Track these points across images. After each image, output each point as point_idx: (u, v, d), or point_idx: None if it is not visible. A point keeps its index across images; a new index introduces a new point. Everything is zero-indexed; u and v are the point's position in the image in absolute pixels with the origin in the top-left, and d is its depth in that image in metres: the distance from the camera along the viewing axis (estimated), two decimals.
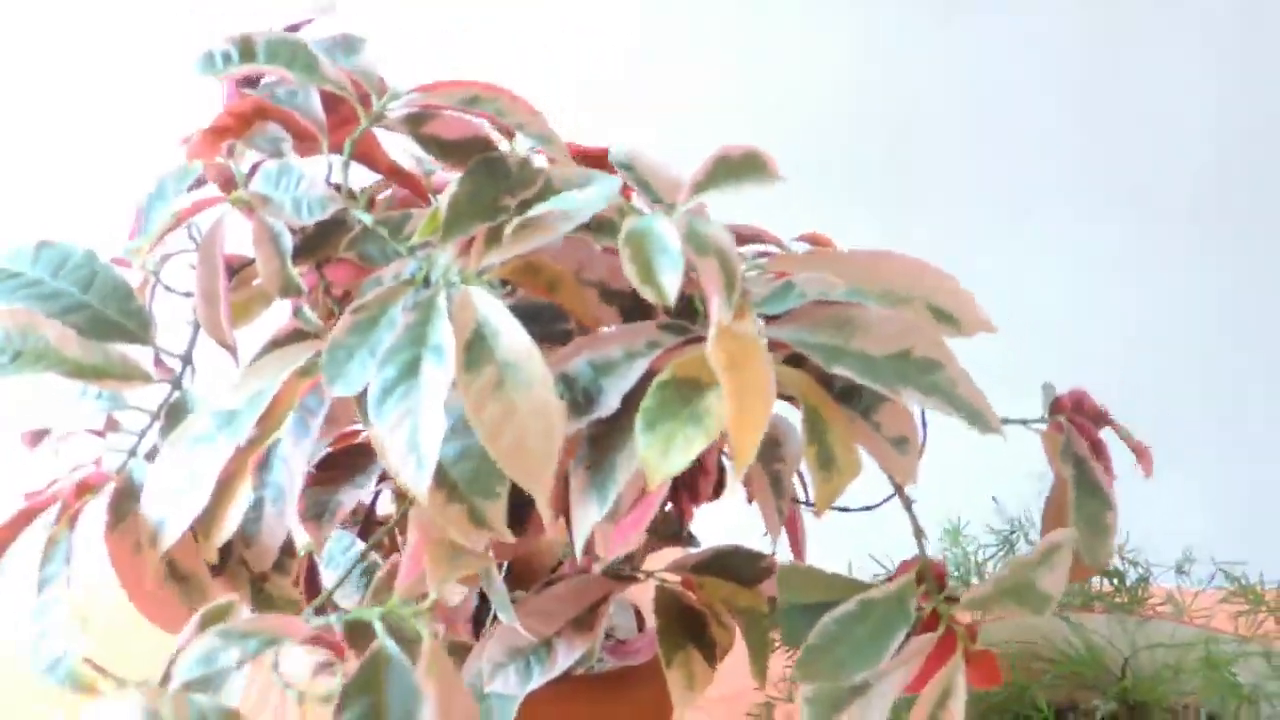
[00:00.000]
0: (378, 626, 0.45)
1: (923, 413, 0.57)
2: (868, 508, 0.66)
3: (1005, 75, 1.48)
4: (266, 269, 0.54)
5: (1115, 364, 1.43)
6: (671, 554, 0.71)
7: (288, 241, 0.54)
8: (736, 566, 0.68)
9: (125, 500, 0.53)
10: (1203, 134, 1.48)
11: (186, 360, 0.56)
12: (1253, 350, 1.52)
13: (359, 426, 0.65)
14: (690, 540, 0.72)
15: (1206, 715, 0.73)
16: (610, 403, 0.50)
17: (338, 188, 0.57)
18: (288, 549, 0.53)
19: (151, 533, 0.50)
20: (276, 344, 0.54)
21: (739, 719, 0.84)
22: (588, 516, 0.49)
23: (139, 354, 0.55)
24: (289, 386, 0.51)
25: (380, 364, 0.48)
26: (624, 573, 0.67)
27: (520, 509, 0.67)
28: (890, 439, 0.54)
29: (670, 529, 0.72)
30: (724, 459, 0.71)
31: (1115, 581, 0.82)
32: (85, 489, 0.52)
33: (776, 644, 0.73)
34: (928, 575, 0.55)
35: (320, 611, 0.50)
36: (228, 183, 0.55)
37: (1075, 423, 0.60)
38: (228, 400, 0.51)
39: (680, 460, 0.46)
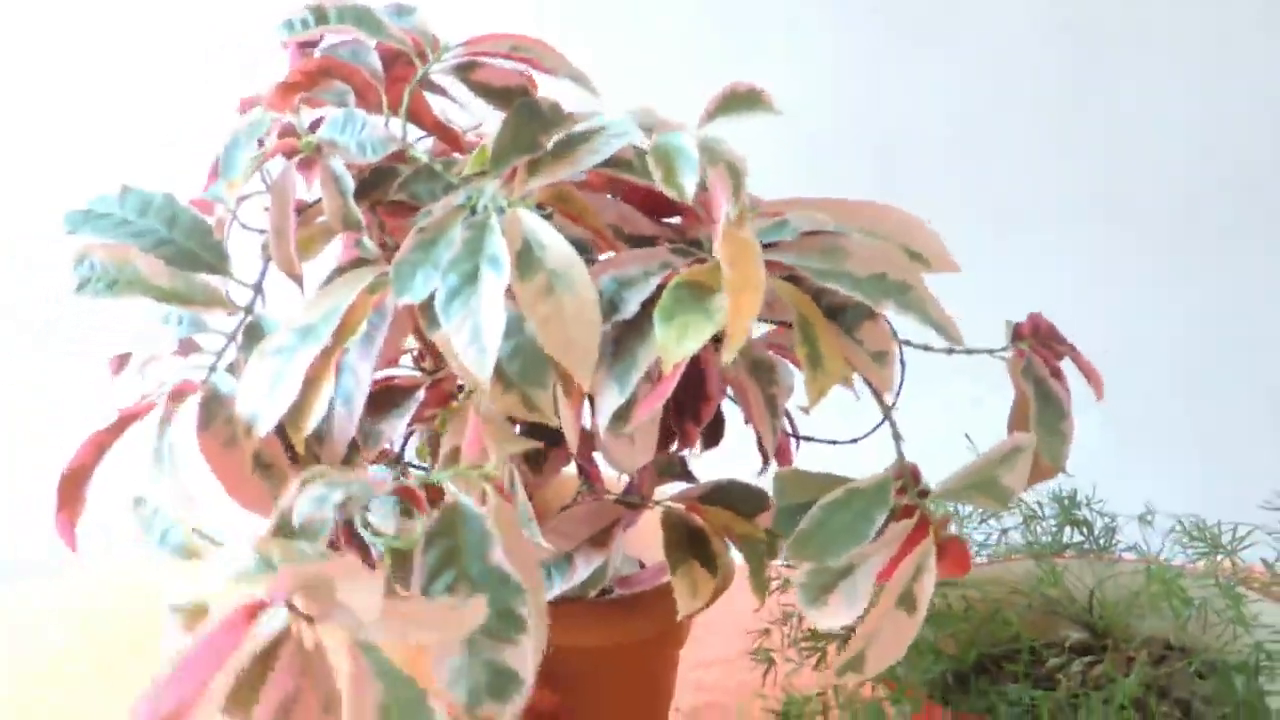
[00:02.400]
0: (449, 485, 0.59)
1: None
2: (853, 440, 0.80)
3: (986, 94, 1.63)
4: (331, 206, 0.68)
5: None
6: (676, 489, 0.85)
7: (349, 182, 0.68)
8: (735, 499, 0.81)
9: (212, 405, 0.66)
10: (1178, 150, 1.63)
11: (258, 289, 0.70)
12: (1233, 357, 1.66)
13: (393, 372, 0.79)
14: (690, 478, 0.85)
15: (1166, 644, 0.86)
16: (631, 308, 0.64)
17: None
18: (353, 446, 0.67)
19: (246, 426, 0.64)
20: (341, 271, 0.67)
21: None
22: (610, 401, 0.63)
23: (217, 284, 0.69)
24: (359, 302, 0.64)
25: (444, 274, 0.61)
26: (633, 500, 0.81)
27: (538, 452, 0.81)
28: (871, 353, 0.68)
29: (673, 468, 0.85)
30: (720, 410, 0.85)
31: (1084, 530, 0.95)
32: (179, 394, 0.66)
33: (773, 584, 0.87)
34: (905, 473, 0.69)
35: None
36: (289, 133, 0.69)
37: (1035, 348, 0.74)
38: (305, 316, 0.65)
39: (692, 345, 0.59)
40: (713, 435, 0.86)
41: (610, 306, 0.64)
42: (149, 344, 0.70)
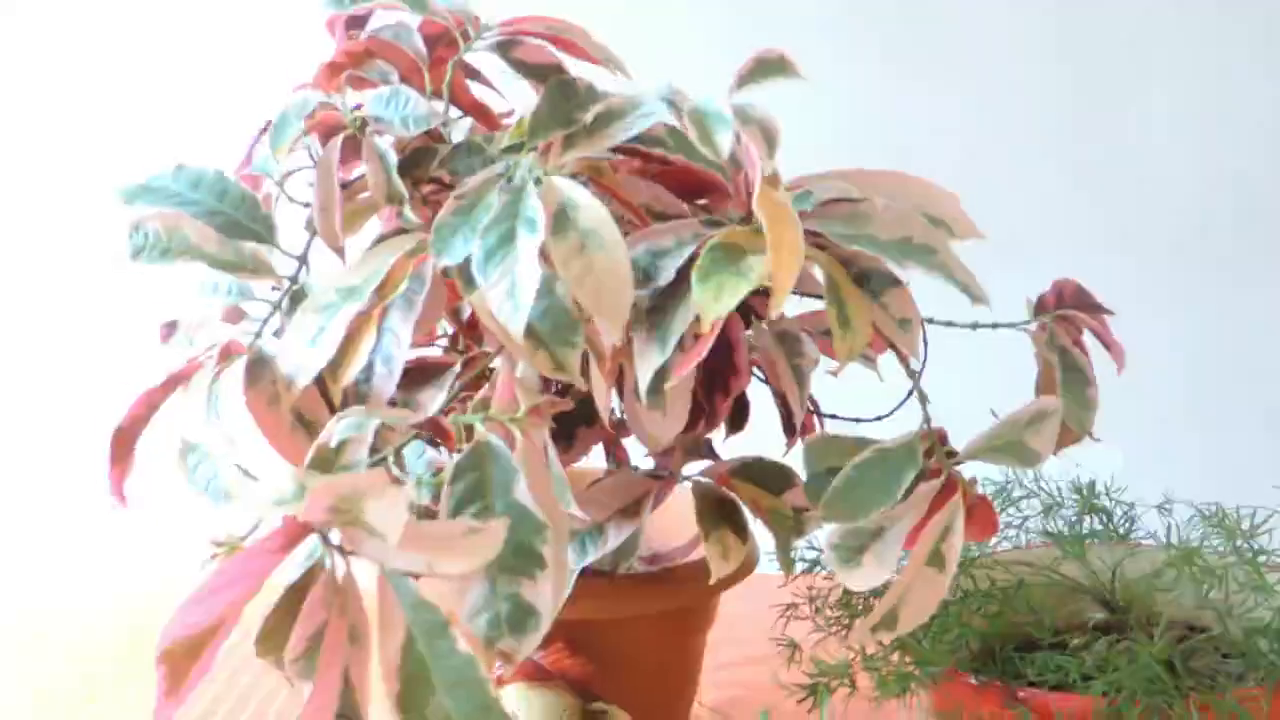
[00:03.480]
0: (479, 425, 0.61)
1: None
2: (878, 418, 0.82)
3: (987, 126, 1.64)
4: (375, 180, 0.70)
5: (1101, 393, 1.58)
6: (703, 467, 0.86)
7: (393, 158, 0.70)
8: (763, 475, 0.82)
9: (258, 366, 0.68)
10: (1179, 180, 1.64)
11: (303, 260, 0.72)
12: (1234, 387, 1.67)
13: (426, 352, 0.81)
14: (717, 459, 0.87)
15: (1188, 625, 0.87)
16: (667, 275, 0.65)
17: None
18: (391, 405, 0.69)
19: (287, 382, 0.66)
20: (383, 239, 0.70)
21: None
22: (650, 362, 0.65)
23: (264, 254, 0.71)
24: (399, 264, 0.66)
25: (481, 235, 0.63)
26: (662, 474, 0.83)
27: (572, 429, 0.83)
28: (897, 320, 0.70)
29: (700, 449, 0.87)
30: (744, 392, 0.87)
31: (1104, 518, 0.96)
32: (227, 354, 0.68)
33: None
34: (932, 435, 0.71)
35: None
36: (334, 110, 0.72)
37: (1057, 321, 0.76)
38: (349, 278, 0.67)
39: (729, 302, 0.61)
40: (738, 420, 0.87)
41: (645, 275, 0.66)
42: (197, 311, 0.72)
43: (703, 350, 0.63)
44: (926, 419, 0.71)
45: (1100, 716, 0.74)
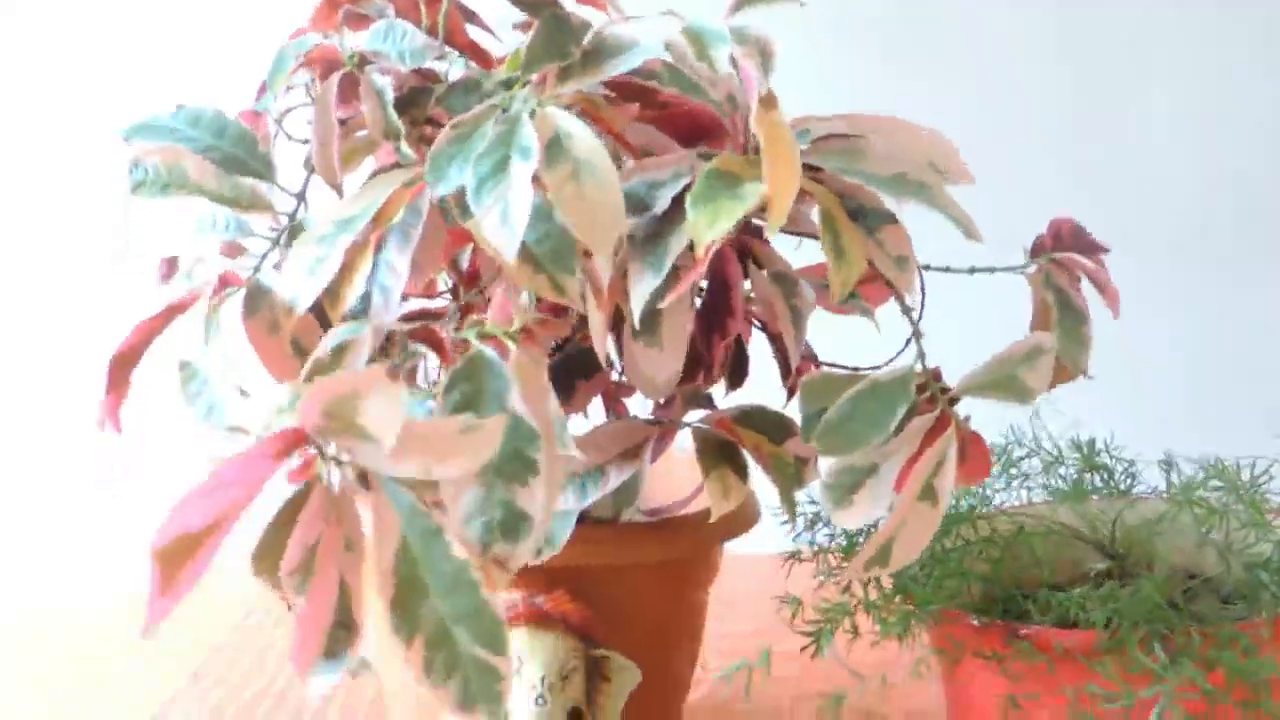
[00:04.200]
0: (474, 338, 0.61)
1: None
2: (874, 368, 0.82)
3: (987, 127, 1.64)
4: (372, 116, 0.70)
5: (1101, 391, 1.58)
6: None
7: (390, 94, 0.70)
8: (764, 423, 0.82)
9: (256, 296, 0.68)
10: (1179, 180, 1.64)
11: (301, 198, 0.72)
12: (1234, 388, 1.67)
13: (424, 303, 0.81)
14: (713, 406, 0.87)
15: (1189, 574, 0.87)
16: (663, 204, 0.66)
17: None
18: (389, 339, 0.69)
19: (286, 308, 0.66)
20: (381, 172, 0.70)
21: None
22: (644, 286, 0.65)
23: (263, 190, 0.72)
24: (396, 195, 0.66)
25: (475, 164, 0.63)
26: (663, 421, 0.83)
27: (572, 382, 0.83)
28: (893, 257, 0.70)
29: (700, 401, 0.87)
30: (744, 345, 0.87)
31: (1105, 475, 0.96)
32: (226, 283, 0.68)
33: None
34: (926, 371, 0.71)
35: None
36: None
37: (1053, 264, 0.76)
38: (346, 210, 0.67)
39: (724, 225, 0.61)
40: (737, 374, 0.87)
41: (641, 204, 0.66)
42: (196, 247, 0.72)
43: (698, 273, 0.63)
44: (921, 355, 0.71)
45: (1102, 648, 0.74)
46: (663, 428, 0.82)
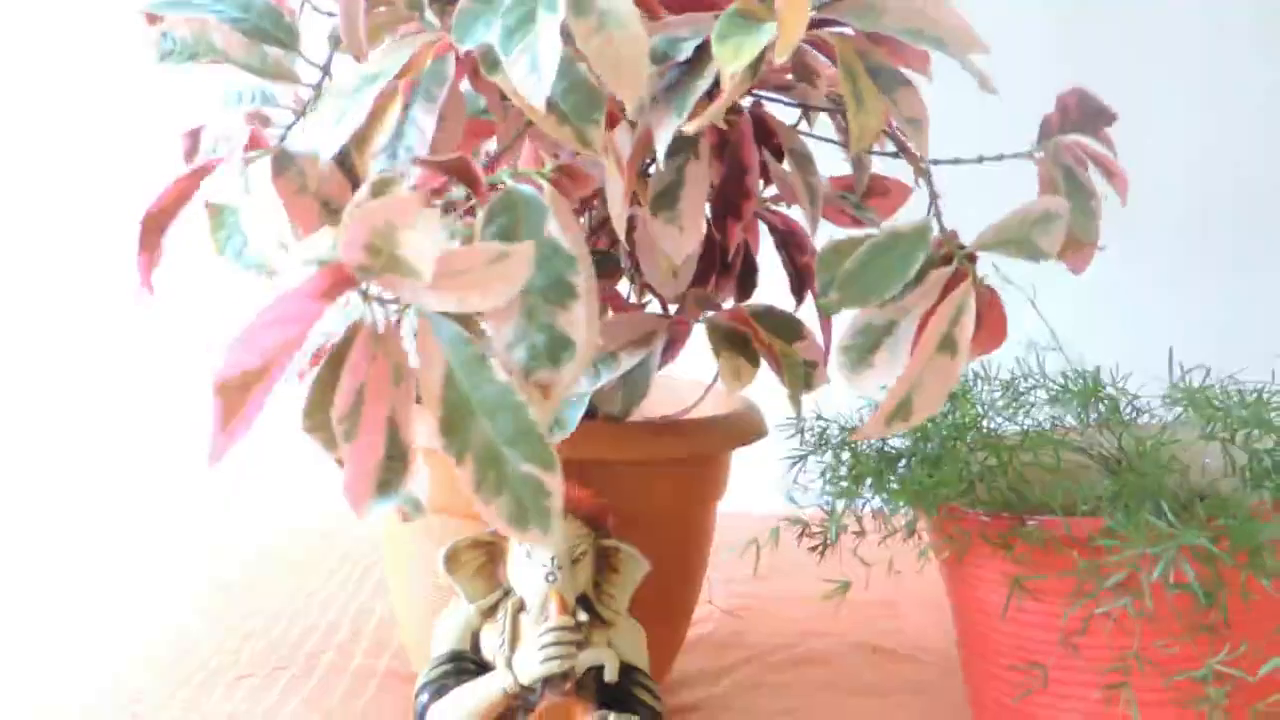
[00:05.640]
0: (508, 178, 0.62)
1: None
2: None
3: (988, 121, 1.67)
4: None
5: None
6: None
7: None
8: (777, 324, 0.83)
9: (284, 158, 0.69)
10: (1179, 172, 1.67)
11: (326, 70, 0.73)
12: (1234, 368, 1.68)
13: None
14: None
15: (1199, 495, 0.87)
16: (685, 53, 0.67)
17: None
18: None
19: (313, 157, 0.67)
20: (405, 36, 0.71)
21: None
22: (668, 125, 0.66)
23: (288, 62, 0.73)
24: (421, 51, 0.68)
25: (503, 16, 0.65)
26: (675, 314, 0.84)
27: None
28: (907, 118, 0.72)
29: (709, 303, 0.88)
30: (752, 255, 0.88)
31: (1109, 406, 0.97)
32: (255, 144, 0.69)
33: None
34: (942, 226, 0.72)
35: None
36: None
37: (1061, 146, 0.78)
38: (371, 67, 0.68)
39: (746, 57, 0.63)
40: (746, 284, 0.89)
41: (664, 55, 0.68)
42: (222, 121, 0.73)
43: (724, 105, 0.65)
44: (937, 213, 0.72)
45: (1107, 533, 0.75)
46: (673, 320, 0.83)
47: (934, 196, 0.73)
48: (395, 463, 0.58)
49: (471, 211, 0.69)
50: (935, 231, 0.71)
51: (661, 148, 0.67)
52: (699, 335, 0.84)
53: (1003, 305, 0.72)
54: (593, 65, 0.64)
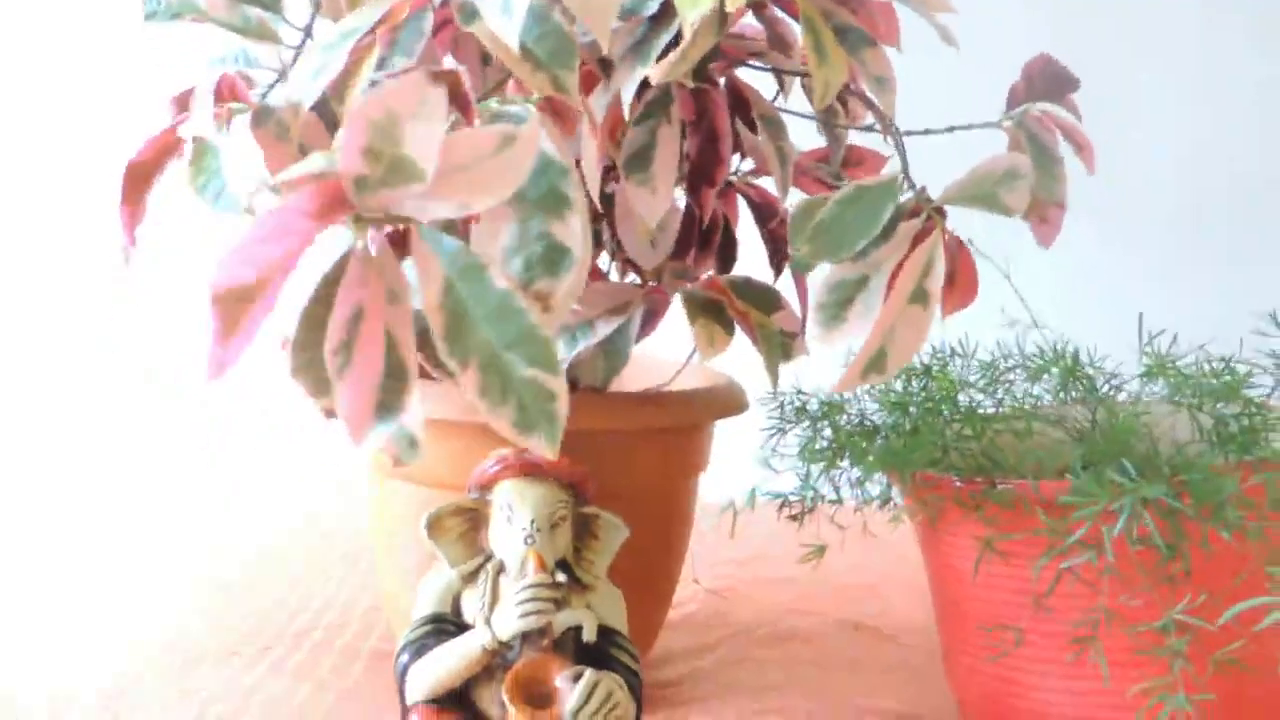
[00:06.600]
0: (495, 103, 0.64)
1: None
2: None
3: (982, 114, 1.69)
4: None
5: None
6: None
7: None
8: (755, 295, 0.85)
9: (264, 112, 0.70)
10: (1170, 165, 1.68)
11: (307, 32, 0.75)
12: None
13: None
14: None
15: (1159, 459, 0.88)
16: (650, 9, 0.69)
17: None
18: None
19: (293, 107, 0.69)
20: None
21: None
22: (634, 75, 0.68)
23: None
24: (398, 5, 0.70)
25: None
26: (650, 285, 0.85)
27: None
28: (873, 76, 0.73)
29: (687, 274, 0.89)
30: (731, 228, 0.90)
31: (1086, 385, 0.98)
32: (234, 94, 0.71)
33: None
34: (908, 175, 0.73)
35: None
36: None
37: (1029, 116, 0.79)
38: (350, 22, 0.70)
39: (704, 6, 0.65)
40: (725, 257, 0.90)
41: (631, 12, 0.70)
42: (205, 81, 0.75)
43: (683, 53, 0.66)
44: (905, 166, 0.73)
45: (1074, 492, 0.76)
46: (650, 289, 0.84)
47: (902, 150, 0.74)
48: (395, 382, 0.57)
49: None
50: (905, 188, 0.73)
51: (627, 96, 0.68)
52: (680, 317, 0.85)
53: (973, 260, 0.73)
54: (565, 3, 0.65)
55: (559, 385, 0.57)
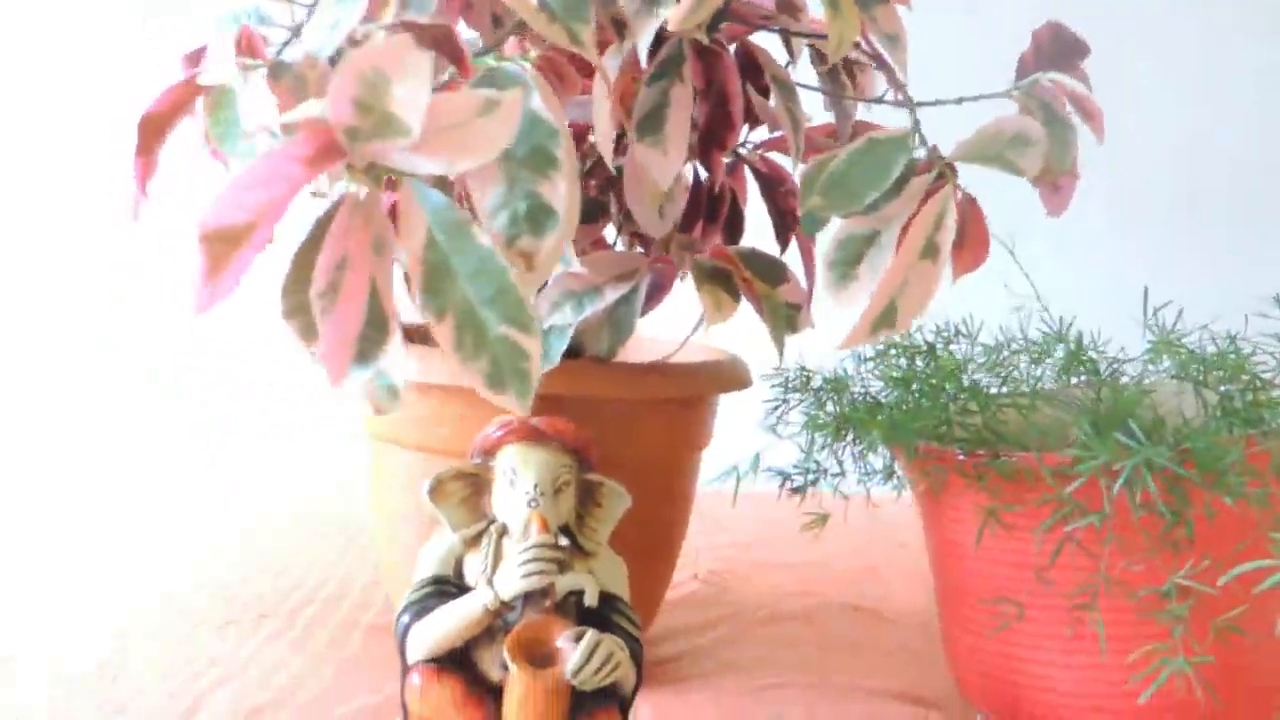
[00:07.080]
0: (492, 59, 0.64)
1: None
2: None
3: (981, 105, 1.69)
4: None
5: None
6: None
7: None
8: (762, 266, 0.85)
9: (280, 67, 0.70)
10: (1169, 156, 1.69)
11: None
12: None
13: None
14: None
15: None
16: None
17: None
18: None
19: (311, 60, 0.69)
20: None
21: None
22: (647, 26, 0.68)
23: None
24: None
25: None
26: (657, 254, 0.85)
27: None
28: (885, 34, 0.74)
29: (694, 245, 0.89)
30: (739, 201, 0.90)
31: (1089, 368, 0.98)
32: (251, 48, 0.71)
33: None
34: (921, 135, 0.73)
35: None
36: None
37: (1038, 85, 0.79)
38: None
39: None
40: (733, 230, 0.90)
41: None
42: (218, 42, 0.75)
43: (707, 4, 0.66)
44: (916, 123, 0.73)
45: (1077, 459, 0.76)
46: (657, 258, 0.84)
47: (913, 108, 0.74)
48: (375, 331, 0.58)
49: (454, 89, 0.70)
50: (916, 144, 0.73)
51: (643, 47, 0.68)
52: (686, 298, 0.85)
53: (984, 217, 0.73)
54: None
55: (533, 344, 0.57)
